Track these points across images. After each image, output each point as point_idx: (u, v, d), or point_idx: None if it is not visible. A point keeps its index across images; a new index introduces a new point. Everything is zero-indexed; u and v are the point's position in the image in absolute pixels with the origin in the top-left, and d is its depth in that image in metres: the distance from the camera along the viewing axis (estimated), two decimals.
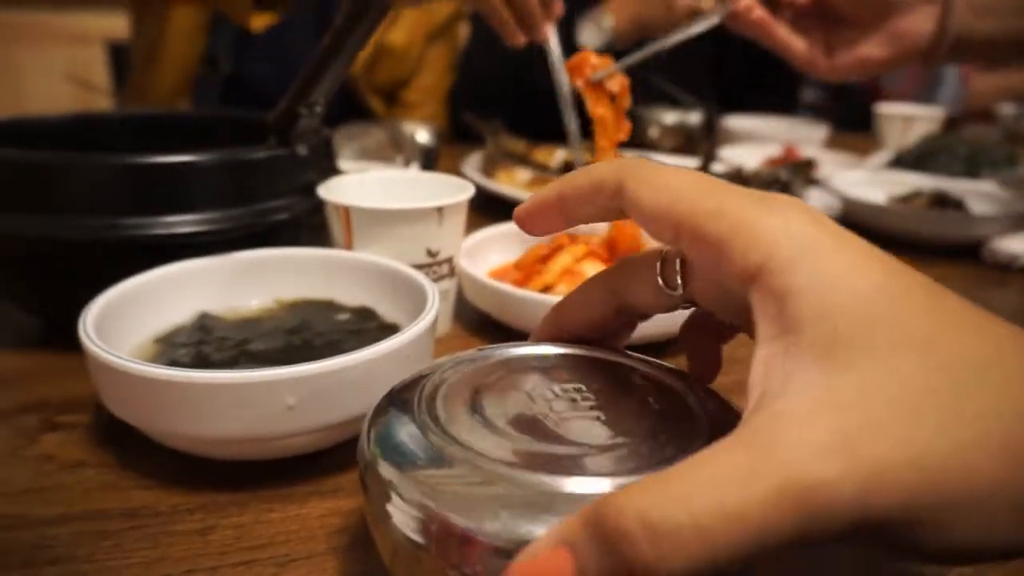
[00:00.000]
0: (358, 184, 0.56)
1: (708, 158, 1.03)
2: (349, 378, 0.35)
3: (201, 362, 0.41)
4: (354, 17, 0.45)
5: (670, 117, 1.33)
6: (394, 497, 0.25)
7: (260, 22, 1.17)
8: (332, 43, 0.47)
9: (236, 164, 0.50)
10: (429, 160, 1.07)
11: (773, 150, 1.21)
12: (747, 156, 1.15)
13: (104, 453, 0.39)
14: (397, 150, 1.05)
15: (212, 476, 0.37)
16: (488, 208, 0.82)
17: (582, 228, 0.63)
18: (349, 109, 1.24)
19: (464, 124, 1.13)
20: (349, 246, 0.51)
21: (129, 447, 0.39)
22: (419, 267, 0.49)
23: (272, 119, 0.52)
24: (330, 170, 0.58)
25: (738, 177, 0.89)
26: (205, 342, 0.43)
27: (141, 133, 0.67)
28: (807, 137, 1.36)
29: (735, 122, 1.45)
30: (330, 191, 0.53)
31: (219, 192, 0.49)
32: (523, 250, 0.61)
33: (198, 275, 0.47)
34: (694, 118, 1.34)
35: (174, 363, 0.41)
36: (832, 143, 1.41)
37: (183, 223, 0.48)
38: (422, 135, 1.13)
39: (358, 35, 0.47)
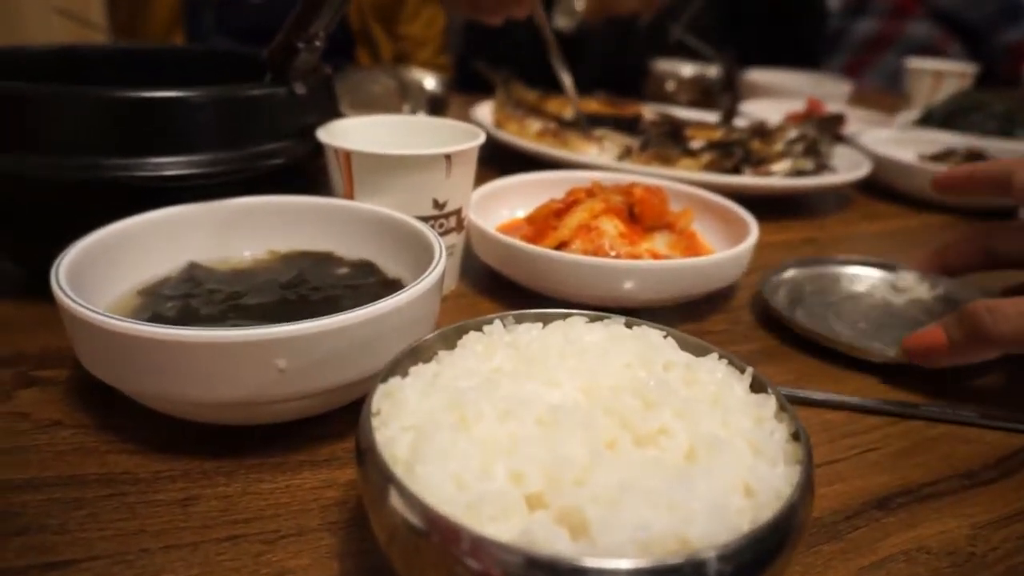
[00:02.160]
0: (361, 128, 0.52)
1: (729, 112, 0.99)
2: (347, 339, 0.32)
3: (188, 316, 0.38)
4: None
5: (688, 70, 1.28)
6: (396, 478, 0.23)
7: None
8: None
9: (228, 102, 0.46)
10: (437, 109, 1.02)
11: (795, 105, 1.16)
12: (769, 110, 1.10)
13: (83, 413, 0.36)
14: (403, 98, 1.01)
15: (197, 442, 0.34)
16: (497, 160, 0.78)
17: (606, 183, 0.59)
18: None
19: (474, 73, 1.09)
20: (350, 195, 0.47)
21: (110, 407, 0.36)
22: (425, 219, 0.45)
23: (268, 54, 0.48)
24: (331, 112, 0.54)
25: (761, 131, 0.84)
26: (193, 295, 0.40)
27: (133, 68, 0.63)
28: (831, 93, 1.31)
29: (756, 75, 1.39)
30: (330, 134, 0.49)
31: (210, 132, 0.45)
32: (535, 204, 0.58)
33: (187, 222, 0.44)
34: (713, 71, 1.29)
35: (158, 317, 0.37)
36: (856, 100, 1.35)
37: (171, 165, 0.44)
38: (430, 82, 1.08)
39: None
